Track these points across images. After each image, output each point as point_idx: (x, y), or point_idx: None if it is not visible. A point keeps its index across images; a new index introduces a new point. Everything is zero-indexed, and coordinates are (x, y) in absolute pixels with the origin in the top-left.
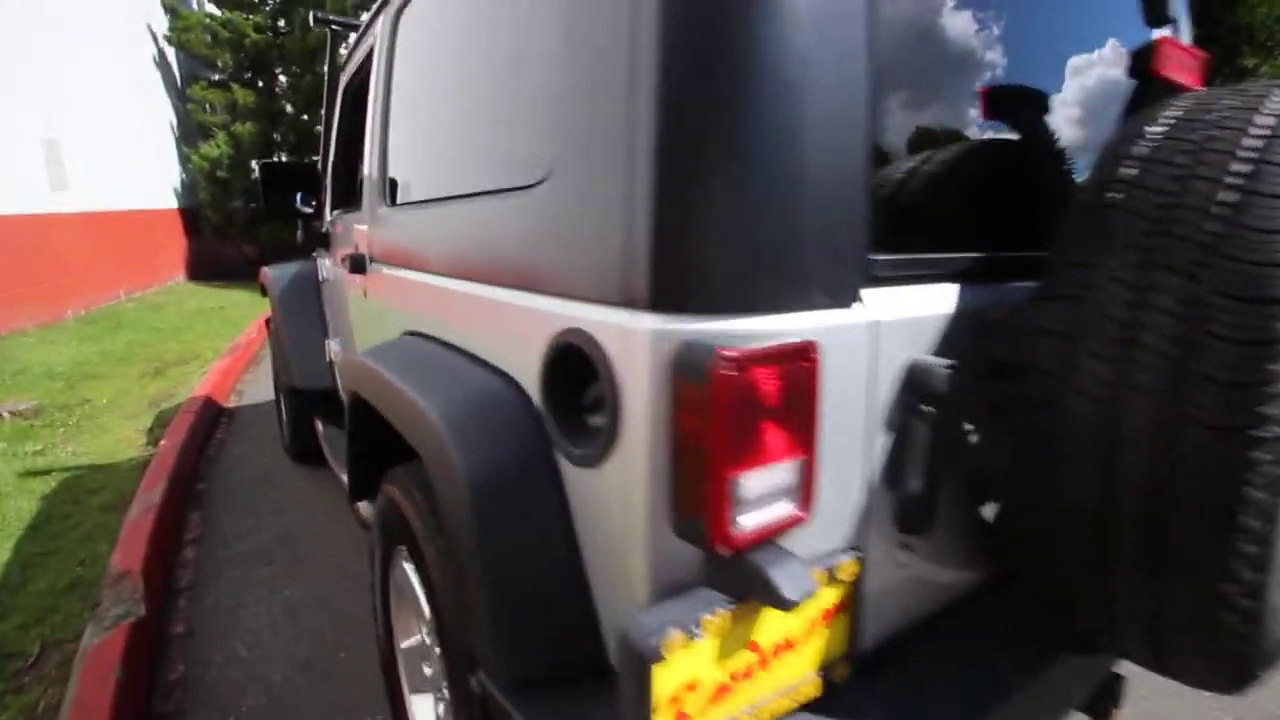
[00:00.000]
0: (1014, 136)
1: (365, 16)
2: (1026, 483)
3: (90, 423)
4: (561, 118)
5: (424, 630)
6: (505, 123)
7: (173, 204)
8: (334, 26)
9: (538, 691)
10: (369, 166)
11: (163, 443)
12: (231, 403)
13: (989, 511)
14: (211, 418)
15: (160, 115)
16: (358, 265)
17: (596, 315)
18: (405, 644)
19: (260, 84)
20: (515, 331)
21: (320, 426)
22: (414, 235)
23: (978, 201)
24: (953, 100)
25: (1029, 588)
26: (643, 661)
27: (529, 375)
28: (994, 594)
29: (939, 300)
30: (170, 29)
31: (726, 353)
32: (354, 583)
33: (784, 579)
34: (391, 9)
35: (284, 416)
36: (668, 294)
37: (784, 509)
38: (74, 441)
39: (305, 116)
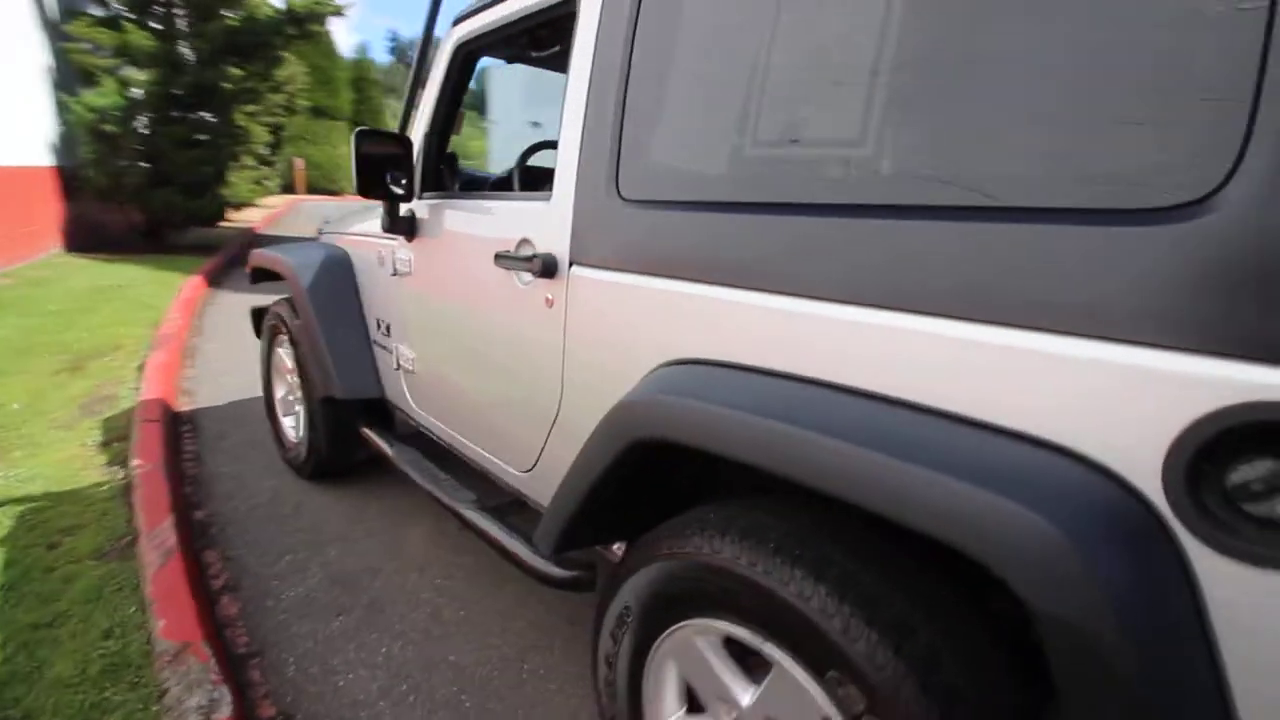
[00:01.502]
0: None
1: None
2: None
3: (14, 435)
4: None
5: None
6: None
7: (46, 161)
8: None
9: None
10: (576, 146)
11: (138, 462)
12: (185, 406)
13: None
14: (173, 427)
15: (30, 56)
16: (548, 269)
17: None
18: None
19: (155, 25)
20: (1095, 395)
21: (386, 443)
22: (744, 244)
23: None
24: None
25: None
26: None
27: (1117, 449)
28: None
29: None
30: None
31: None
32: (462, 632)
33: None
34: None
35: (293, 429)
36: None
37: None
38: (2, 462)
39: (210, 70)
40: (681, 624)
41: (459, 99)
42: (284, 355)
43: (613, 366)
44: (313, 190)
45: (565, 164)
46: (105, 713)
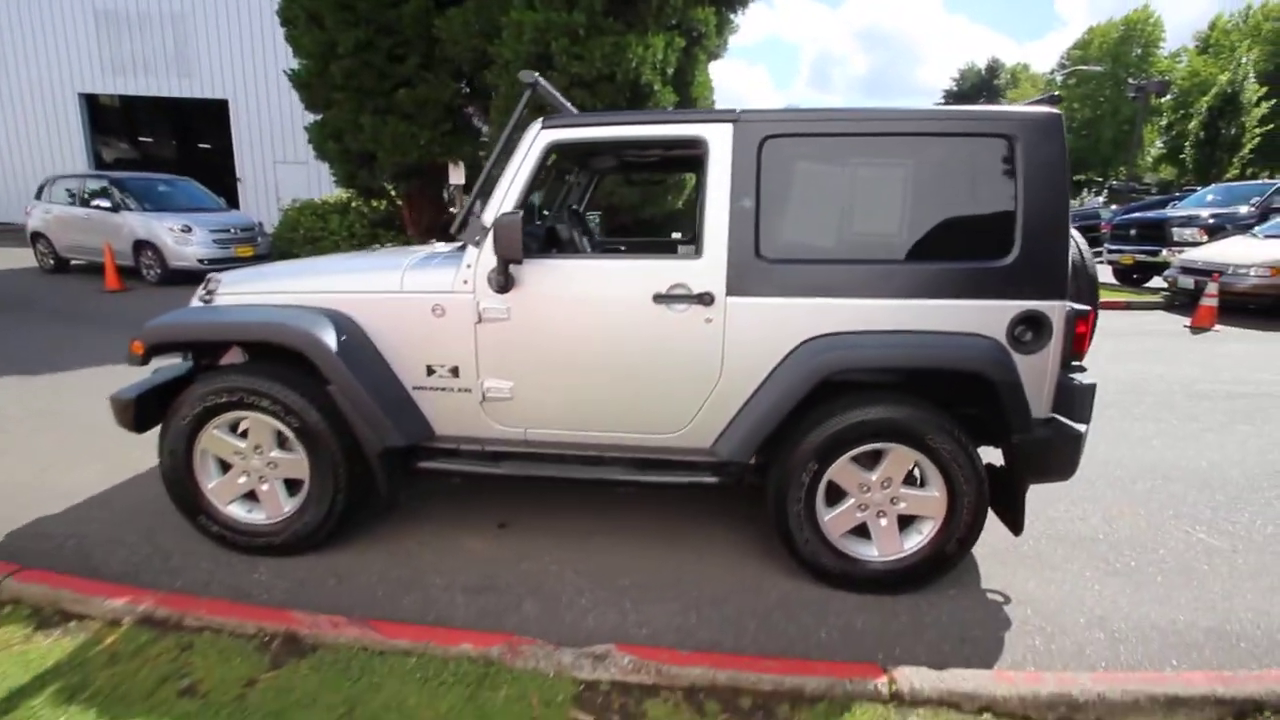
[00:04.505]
0: None
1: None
2: None
3: None
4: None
5: None
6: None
7: None
8: (539, 91)
9: None
10: (725, 227)
11: (122, 601)
12: None
13: None
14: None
15: None
16: (710, 300)
17: (1044, 304)
18: None
19: None
20: (985, 315)
21: (478, 466)
22: (851, 279)
23: None
24: None
25: None
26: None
27: (994, 330)
28: None
29: None
30: None
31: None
32: (614, 564)
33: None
34: (753, 137)
35: (247, 512)
36: (1059, 291)
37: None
38: None
39: None
40: (840, 457)
41: (538, 185)
42: (222, 436)
43: (764, 349)
44: None
45: (715, 236)
46: None
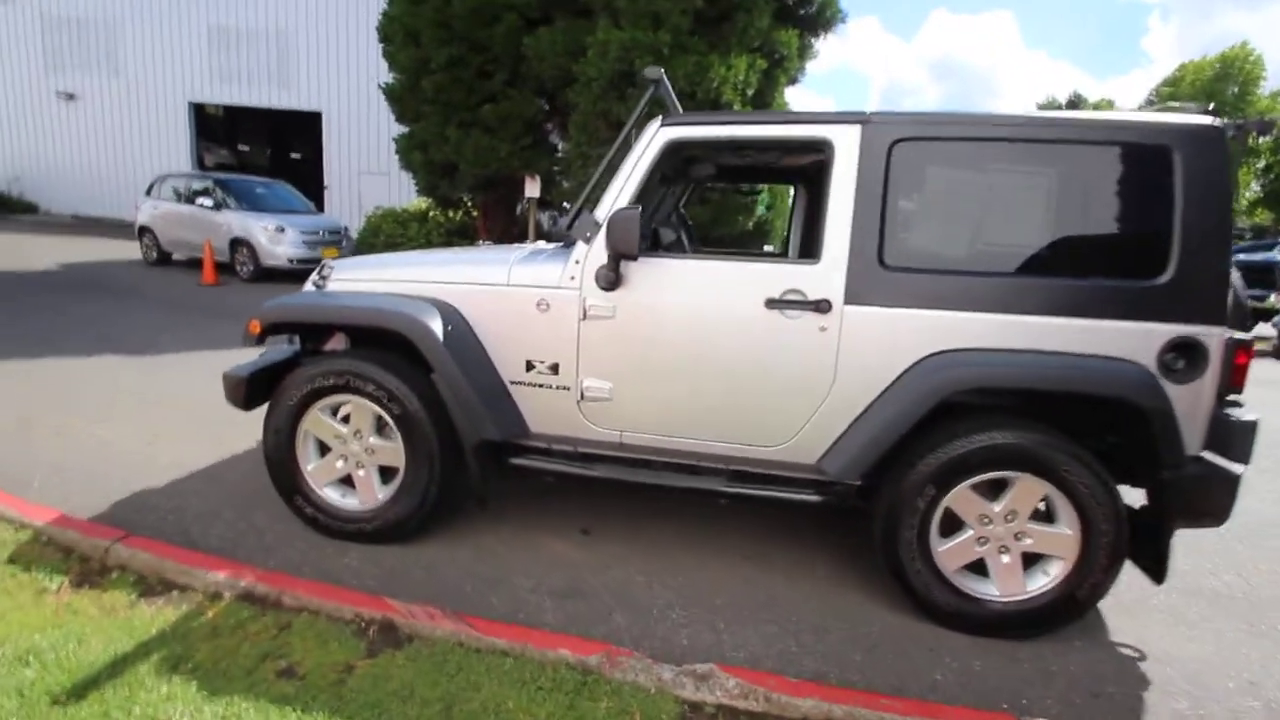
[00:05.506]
0: None
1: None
2: None
3: None
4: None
5: None
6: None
7: None
8: (660, 91)
9: None
10: (846, 234)
11: (221, 575)
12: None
13: None
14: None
15: None
16: (825, 307)
17: (1201, 330)
18: None
19: None
20: (1132, 339)
21: (575, 466)
22: (983, 292)
23: None
24: None
25: None
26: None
27: (1142, 355)
28: None
29: None
30: None
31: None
32: (702, 573)
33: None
34: (884, 140)
35: (341, 497)
36: (1218, 316)
37: None
38: None
39: None
40: (960, 483)
41: (654, 184)
42: (323, 419)
43: (881, 362)
44: None
45: (836, 242)
46: None
